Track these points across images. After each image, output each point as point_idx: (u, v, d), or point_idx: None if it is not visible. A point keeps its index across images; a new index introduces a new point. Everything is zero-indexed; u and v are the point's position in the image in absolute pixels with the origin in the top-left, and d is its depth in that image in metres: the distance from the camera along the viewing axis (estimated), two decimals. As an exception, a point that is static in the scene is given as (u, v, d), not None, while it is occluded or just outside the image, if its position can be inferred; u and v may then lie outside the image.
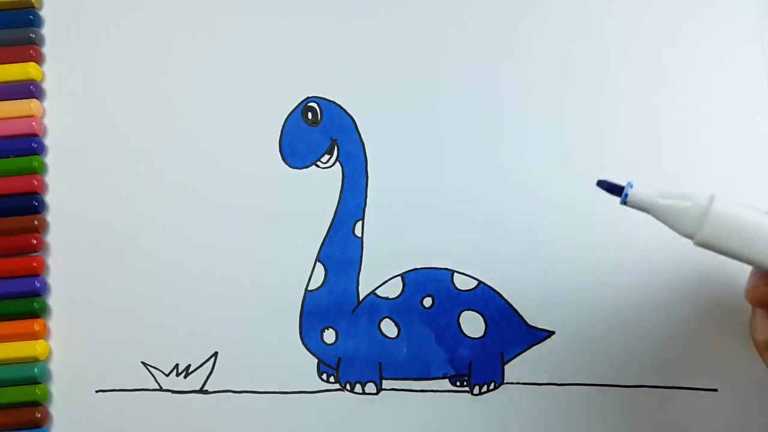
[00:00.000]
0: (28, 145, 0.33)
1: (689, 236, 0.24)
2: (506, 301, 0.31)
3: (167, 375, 0.31)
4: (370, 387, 0.31)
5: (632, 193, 0.25)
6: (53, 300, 0.32)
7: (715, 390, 0.30)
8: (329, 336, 0.31)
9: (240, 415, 0.31)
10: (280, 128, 0.33)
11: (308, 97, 0.33)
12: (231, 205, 0.32)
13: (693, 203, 0.24)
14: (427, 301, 0.31)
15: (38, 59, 0.34)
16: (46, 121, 0.34)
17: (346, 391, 0.31)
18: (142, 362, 0.31)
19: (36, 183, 0.32)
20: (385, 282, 0.32)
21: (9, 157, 0.33)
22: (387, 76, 0.33)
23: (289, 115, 0.33)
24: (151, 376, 0.31)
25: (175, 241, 0.32)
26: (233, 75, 0.34)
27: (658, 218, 0.25)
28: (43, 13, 0.34)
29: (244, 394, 0.31)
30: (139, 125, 0.33)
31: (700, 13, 0.33)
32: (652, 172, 0.32)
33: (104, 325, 0.32)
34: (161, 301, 0.32)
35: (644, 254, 0.31)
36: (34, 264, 0.32)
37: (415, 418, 0.31)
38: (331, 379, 0.31)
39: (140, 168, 0.33)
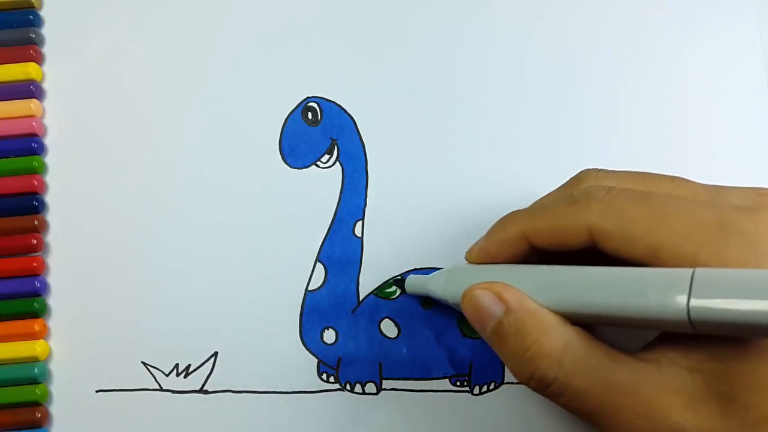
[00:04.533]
0: (28, 145, 0.33)
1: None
2: (506, 301, 0.31)
3: (167, 375, 0.31)
4: (370, 387, 0.31)
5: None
6: (53, 300, 0.32)
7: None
8: (329, 336, 0.31)
9: (240, 415, 0.31)
10: (280, 128, 0.33)
11: (308, 97, 0.33)
12: (231, 205, 0.32)
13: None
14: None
15: (38, 59, 0.34)
16: (46, 121, 0.34)
17: (346, 391, 0.31)
18: (142, 362, 0.31)
19: (36, 183, 0.32)
20: (386, 282, 0.32)
21: (9, 157, 0.33)
22: (387, 76, 0.33)
23: (289, 115, 0.33)
24: (151, 376, 0.31)
25: (175, 241, 0.32)
26: (233, 75, 0.34)
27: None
28: (43, 13, 0.34)
29: (244, 394, 0.31)
30: (139, 125, 0.33)
31: (698, 14, 0.34)
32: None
33: (104, 325, 0.32)
34: (161, 301, 0.32)
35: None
36: (34, 264, 0.32)
37: (415, 418, 0.31)
38: (331, 379, 0.31)
39: (140, 168, 0.33)
